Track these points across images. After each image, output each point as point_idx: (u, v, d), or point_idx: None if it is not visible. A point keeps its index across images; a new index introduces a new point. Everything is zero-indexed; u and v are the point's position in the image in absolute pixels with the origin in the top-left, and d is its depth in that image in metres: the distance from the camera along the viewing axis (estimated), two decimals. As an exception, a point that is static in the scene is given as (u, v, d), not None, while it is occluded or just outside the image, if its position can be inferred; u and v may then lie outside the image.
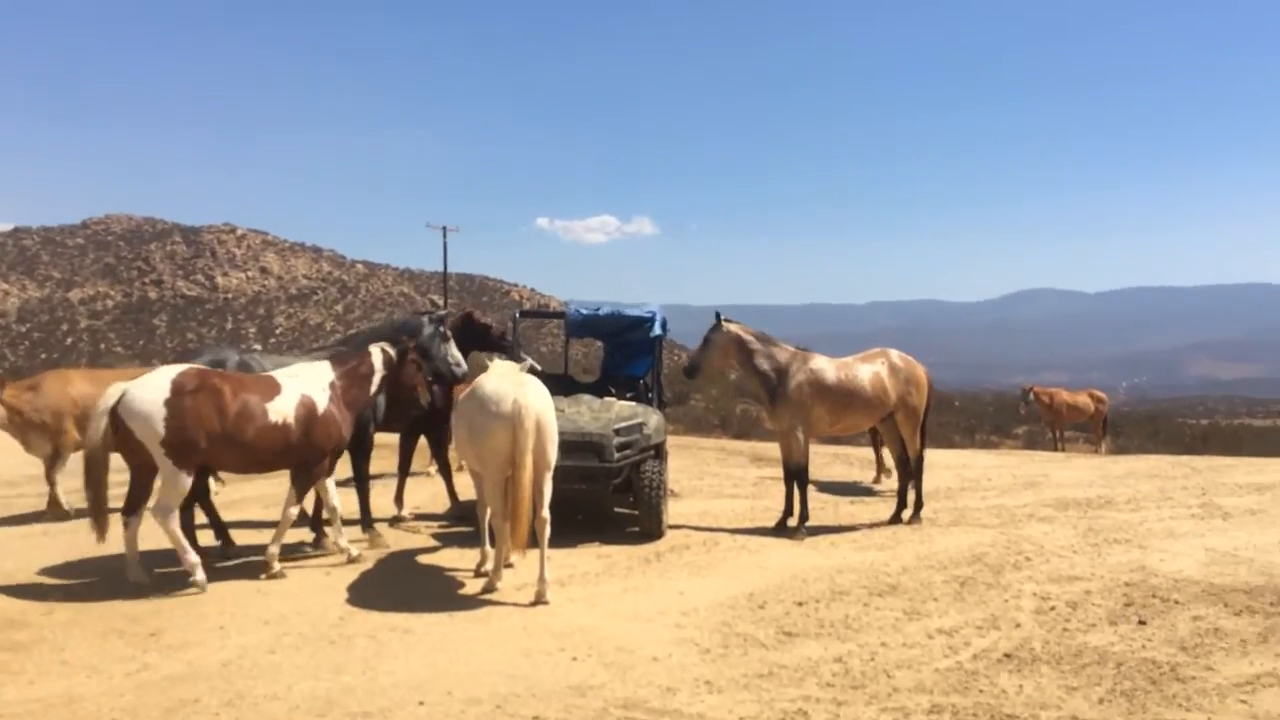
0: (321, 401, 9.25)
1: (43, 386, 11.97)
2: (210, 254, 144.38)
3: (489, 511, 8.88)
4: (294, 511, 9.34)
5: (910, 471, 12.31)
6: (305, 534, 10.61)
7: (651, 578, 9.32)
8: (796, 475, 11.55)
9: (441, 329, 11.22)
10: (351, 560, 9.68)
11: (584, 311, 12.15)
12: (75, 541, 10.29)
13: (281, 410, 8.95)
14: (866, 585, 9.12)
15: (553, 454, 8.49)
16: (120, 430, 8.39)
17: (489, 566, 8.98)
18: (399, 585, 8.91)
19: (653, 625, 7.87)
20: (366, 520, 10.53)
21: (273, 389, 9.06)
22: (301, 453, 9.12)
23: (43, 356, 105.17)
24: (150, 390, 8.44)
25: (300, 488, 9.33)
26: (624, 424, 10.85)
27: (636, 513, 10.96)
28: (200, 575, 8.64)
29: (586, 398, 11.35)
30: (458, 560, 9.90)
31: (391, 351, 10.11)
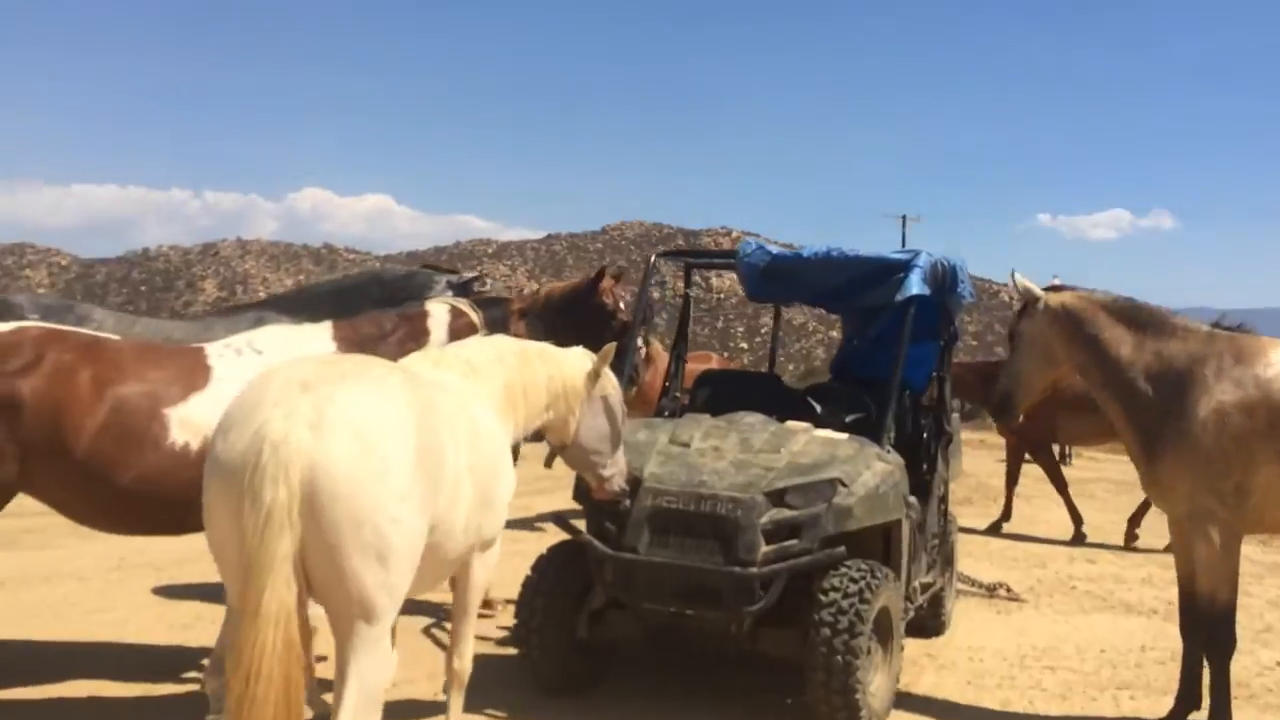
0: None
1: None
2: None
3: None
4: None
5: None
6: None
7: None
8: (1211, 623, 5.03)
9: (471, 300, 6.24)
10: None
11: (773, 250, 6.43)
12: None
13: (199, 422, 4.48)
14: None
15: (365, 570, 3.20)
16: None
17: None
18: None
19: None
20: None
21: (195, 373, 4.68)
22: None
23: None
24: None
25: None
26: (793, 480, 5.18)
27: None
28: None
29: (752, 420, 5.73)
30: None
31: (473, 313, 5.52)
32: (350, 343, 5.18)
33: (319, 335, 5.15)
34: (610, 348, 4.78)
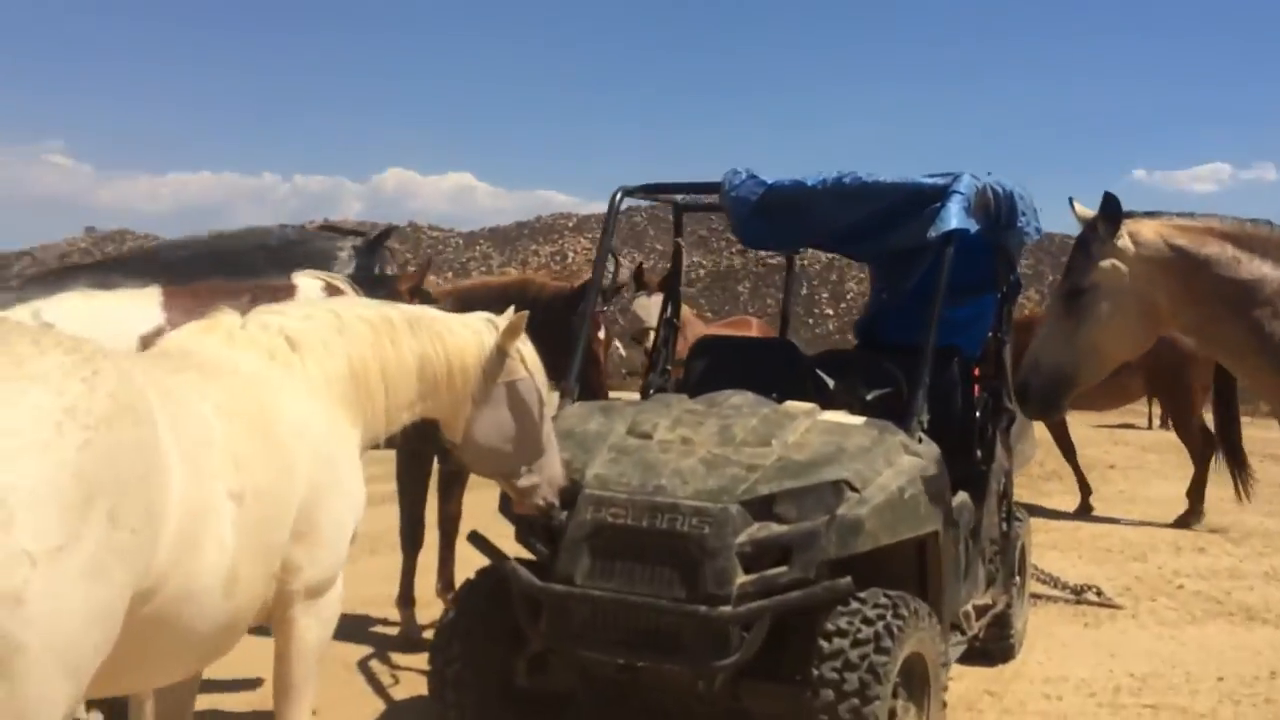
0: None
1: None
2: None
3: None
4: None
5: None
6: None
7: None
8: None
9: (382, 269, 4.96)
10: None
11: (767, 180, 5.00)
12: None
13: None
14: None
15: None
16: None
17: None
18: None
19: None
20: None
21: None
22: None
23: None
24: None
25: None
26: (783, 484, 3.79)
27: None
28: None
29: (739, 401, 4.35)
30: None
31: (351, 292, 4.51)
32: (188, 315, 3.98)
33: (142, 305, 3.97)
34: (521, 316, 3.48)
